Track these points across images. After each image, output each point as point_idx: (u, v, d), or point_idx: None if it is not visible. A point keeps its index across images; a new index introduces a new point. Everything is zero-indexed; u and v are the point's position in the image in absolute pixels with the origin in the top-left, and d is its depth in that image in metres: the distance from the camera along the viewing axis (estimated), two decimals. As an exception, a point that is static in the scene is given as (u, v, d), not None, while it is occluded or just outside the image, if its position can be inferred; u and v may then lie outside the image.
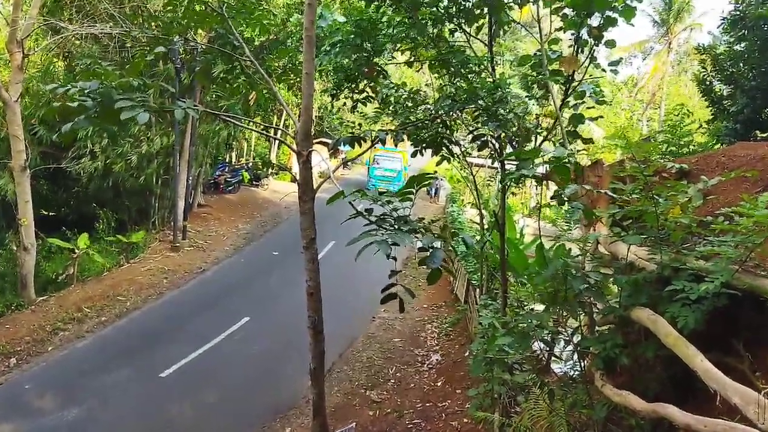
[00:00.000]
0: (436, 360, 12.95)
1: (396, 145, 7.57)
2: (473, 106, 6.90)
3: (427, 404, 10.80)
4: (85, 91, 4.82)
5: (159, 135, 20.31)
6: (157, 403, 11.09)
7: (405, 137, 7.26)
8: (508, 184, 8.26)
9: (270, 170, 33.06)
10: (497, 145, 7.91)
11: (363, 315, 15.81)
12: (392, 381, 12.12)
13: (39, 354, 13.00)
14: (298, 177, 6.61)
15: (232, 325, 14.62)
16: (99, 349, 13.31)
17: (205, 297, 16.82)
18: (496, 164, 9.68)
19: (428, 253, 4.30)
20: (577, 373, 6.62)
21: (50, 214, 20.08)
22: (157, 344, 13.51)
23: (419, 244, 4.44)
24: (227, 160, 32.52)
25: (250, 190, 31.09)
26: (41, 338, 13.57)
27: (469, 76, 7.90)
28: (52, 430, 10.12)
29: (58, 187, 20.87)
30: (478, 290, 13.34)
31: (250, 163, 33.10)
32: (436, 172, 35.36)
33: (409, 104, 8.19)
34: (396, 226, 4.45)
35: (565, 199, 4.78)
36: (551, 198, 5.14)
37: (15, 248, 15.94)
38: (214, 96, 21.85)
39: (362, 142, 6.78)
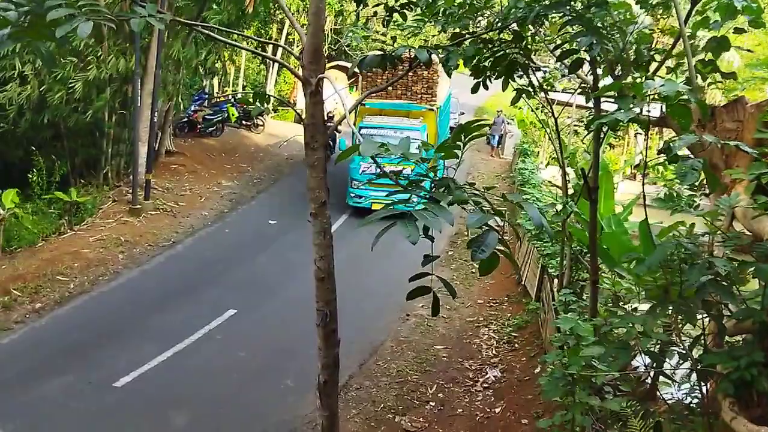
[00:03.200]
0: (494, 377, 13.03)
1: (449, 74, 7.34)
2: (560, 11, 6.70)
3: (481, 437, 10.93)
4: (7, -4, 4.81)
5: (114, 54, 20.47)
6: (108, 423, 11.41)
7: (460, 61, 7.10)
8: (604, 131, 8.10)
9: (266, 105, 33.04)
10: (591, 74, 7.74)
11: (392, 311, 15.94)
12: (432, 404, 12.26)
13: (-51, 352, 13.48)
14: (304, 115, 6.59)
15: (212, 319, 14.92)
16: (32, 347, 13.71)
17: (176, 280, 17.17)
18: (587, 103, 9.50)
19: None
20: (695, 400, 6.57)
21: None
22: (110, 342, 13.86)
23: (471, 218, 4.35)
24: (207, 90, 32.71)
25: (239, 133, 31.31)
26: (-46, 329, 14.06)
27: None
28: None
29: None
30: (555, 282, 13.28)
31: (239, 95, 33.23)
32: (500, 111, 34.01)
33: (464, 10, 8.03)
34: (433, 196, 4.36)
35: (678, 154, 4.65)
36: (659, 152, 5.02)
37: None
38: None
39: (397, 62, 6.66)
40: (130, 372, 12.76)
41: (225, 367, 13.29)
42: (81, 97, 20.05)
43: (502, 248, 4.24)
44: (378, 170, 19.06)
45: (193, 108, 29.52)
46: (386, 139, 21.35)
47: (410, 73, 18.90)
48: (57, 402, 11.87)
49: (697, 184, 5.93)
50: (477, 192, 4.47)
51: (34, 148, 19.85)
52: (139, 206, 20.60)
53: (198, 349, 13.87)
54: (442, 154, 4.84)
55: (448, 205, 4.23)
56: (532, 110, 18.97)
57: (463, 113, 33.00)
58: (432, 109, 23.73)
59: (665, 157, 4.77)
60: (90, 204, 20.09)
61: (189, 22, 8.11)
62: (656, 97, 4.61)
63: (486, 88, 8.07)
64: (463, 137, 4.66)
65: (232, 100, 31.64)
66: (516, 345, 14.24)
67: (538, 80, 9.69)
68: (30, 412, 11.57)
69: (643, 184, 6.52)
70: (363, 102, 21.05)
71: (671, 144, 4.59)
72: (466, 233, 20.23)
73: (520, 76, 8.20)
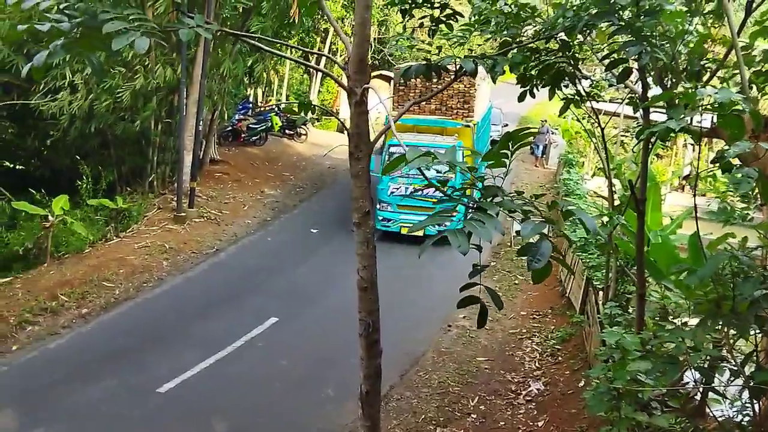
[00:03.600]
0: (537, 390, 12.90)
1: (494, 81, 7.33)
2: (608, 21, 6.65)
3: (523, 451, 10.83)
4: (61, 6, 4.92)
5: (161, 64, 20.85)
6: (152, 428, 11.60)
7: (506, 68, 7.06)
8: (652, 141, 7.98)
9: (309, 115, 33.29)
10: (640, 83, 7.64)
11: (433, 322, 15.91)
12: (474, 416, 12.17)
13: None
14: (348, 125, 6.63)
15: (254, 327, 15.08)
16: (78, 352, 14.00)
17: (219, 288, 17.38)
18: (636, 113, 9.36)
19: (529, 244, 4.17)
20: (746, 418, 6.42)
21: (16, 167, 21.07)
22: (154, 348, 14.08)
23: (516, 226, 4.34)
24: (251, 100, 33.09)
25: (282, 142, 31.62)
26: (3, 333, 14.35)
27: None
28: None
29: (26, 132, 21.84)
30: (600, 294, 13.10)
31: (282, 105, 33.58)
32: (545, 120, 33.51)
33: (510, 20, 8.00)
34: (481, 206, 4.31)
35: (731, 163, 4.57)
36: (712, 162, 4.92)
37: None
38: (238, 9, 22.24)
39: (441, 72, 6.67)
40: (173, 378, 12.92)
41: (266, 376, 13.39)
42: (128, 106, 20.46)
43: (557, 255, 4.20)
44: (407, 191, 18.17)
45: (237, 117, 29.92)
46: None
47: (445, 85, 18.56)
48: (102, 406, 12.08)
49: (751, 195, 5.81)
50: (526, 200, 4.43)
51: (78, 157, 20.29)
52: (183, 214, 20.91)
53: (240, 356, 14.01)
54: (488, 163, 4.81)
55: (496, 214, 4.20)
56: (578, 120, 18.78)
57: (506, 125, 32.42)
58: (468, 126, 21.85)
59: (717, 167, 4.70)
60: (135, 211, 20.47)
61: (235, 32, 8.23)
62: (709, 106, 4.54)
63: (533, 96, 8.03)
64: (510, 146, 4.62)
65: (276, 109, 31.97)
66: (560, 358, 14.08)
67: (584, 90, 9.60)
68: (76, 415, 11.81)
69: (694, 196, 6.42)
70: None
71: (725, 152, 4.51)
72: (509, 244, 20.15)
73: (567, 86, 8.14)
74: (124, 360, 13.59)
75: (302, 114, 7.63)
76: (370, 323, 6.77)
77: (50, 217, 17.68)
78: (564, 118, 30.43)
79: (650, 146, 8.66)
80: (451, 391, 13.06)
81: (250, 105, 32.19)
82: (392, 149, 20.34)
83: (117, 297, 16.41)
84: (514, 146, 4.58)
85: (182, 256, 18.98)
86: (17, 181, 19.95)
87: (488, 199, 4.40)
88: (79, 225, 18.46)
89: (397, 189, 20.95)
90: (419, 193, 19.68)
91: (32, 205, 18.22)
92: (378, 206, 20.74)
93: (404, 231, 20.56)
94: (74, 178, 20.34)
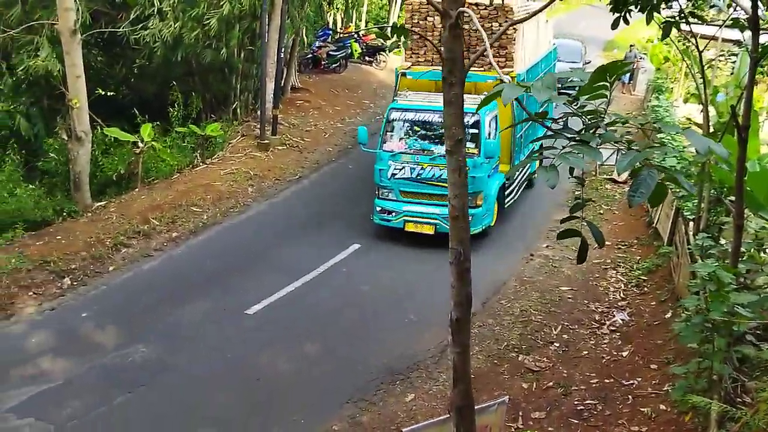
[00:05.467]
0: (622, 320, 12.74)
1: None
2: None
3: (607, 380, 10.75)
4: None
5: (244, -11, 20.77)
6: (242, 349, 12.02)
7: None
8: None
9: (394, 40, 32.72)
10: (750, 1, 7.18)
11: (515, 250, 15.87)
12: (556, 345, 12.15)
13: (98, 274, 14.49)
14: (443, 49, 6.47)
15: (338, 253, 15.37)
16: (171, 274, 14.59)
17: (302, 214, 17.72)
18: (743, 33, 8.84)
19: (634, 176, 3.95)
20: None
21: (108, 94, 21.52)
22: (241, 272, 14.54)
23: (604, 153, 4.14)
24: (331, 26, 32.85)
25: (361, 69, 31.39)
26: (100, 255, 15.03)
27: None
28: (117, 374, 11.30)
29: (114, 60, 22.27)
30: (690, 225, 12.73)
31: (362, 31, 33.23)
32: (632, 45, 31.82)
33: None
34: (583, 138, 4.11)
35: None
36: None
37: (65, 138, 17.38)
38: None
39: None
40: (260, 300, 13.34)
41: (349, 300, 13.66)
42: (215, 34, 20.53)
43: (663, 183, 3.97)
44: (414, 173, 16.33)
45: (317, 44, 29.83)
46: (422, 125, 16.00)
47: (472, 30, 15.47)
48: (196, 326, 12.63)
49: None
50: (626, 133, 4.22)
51: (174, 83, 20.64)
52: (266, 141, 21.17)
53: (324, 281, 14.30)
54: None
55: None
56: (673, 43, 17.89)
57: (588, 62, 29.08)
58: (503, 81, 15.84)
59: None
60: (221, 138, 20.80)
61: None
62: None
63: (626, 22, 7.68)
64: (608, 77, 4.40)
65: (355, 35, 31.68)
66: (645, 289, 13.81)
67: (683, 11, 9.13)
68: (173, 334, 12.39)
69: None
70: (404, 72, 16.99)
71: None
72: (593, 172, 19.68)
73: (671, 6, 7.75)
74: (213, 282, 14.08)
75: (395, 37, 7.46)
76: (461, 252, 6.73)
77: (140, 144, 18.15)
78: (652, 42, 29.21)
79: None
80: (534, 319, 13.02)
81: (330, 32, 31.96)
82: (393, 115, 16.18)
83: (205, 222, 16.91)
84: (612, 78, 4.34)
85: (266, 183, 19.33)
86: (109, 109, 20.43)
87: (590, 131, 4.23)
88: (165, 152, 18.93)
89: (401, 170, 15.91)
90: (431, 173, 15.54)
91: (122, 131, 18.72)
92: (376, 192, 16.51)
93: (410, 228, 15.79)
94: (162, 105, 20.74)
